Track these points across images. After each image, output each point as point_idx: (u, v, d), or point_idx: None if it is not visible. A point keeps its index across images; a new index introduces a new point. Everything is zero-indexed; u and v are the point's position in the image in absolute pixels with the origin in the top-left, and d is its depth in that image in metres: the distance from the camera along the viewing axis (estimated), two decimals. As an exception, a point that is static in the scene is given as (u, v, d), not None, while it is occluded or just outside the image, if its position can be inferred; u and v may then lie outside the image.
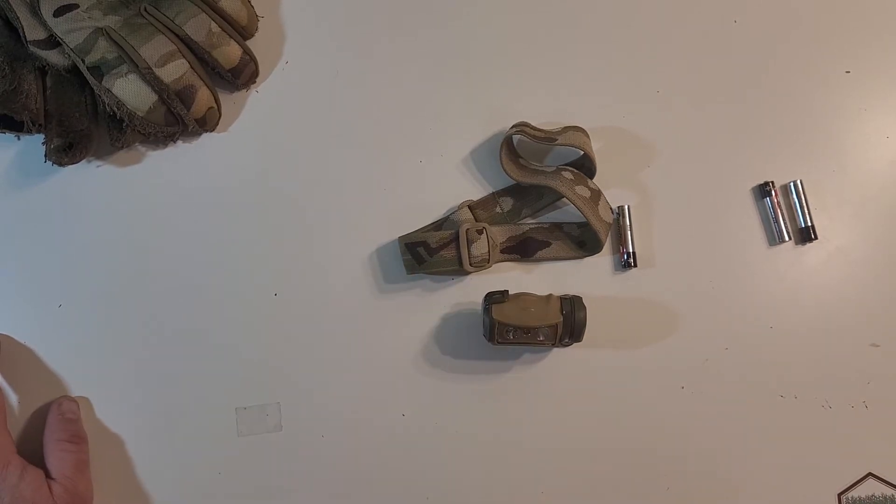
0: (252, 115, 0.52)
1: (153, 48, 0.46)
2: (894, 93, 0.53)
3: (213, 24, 0.48)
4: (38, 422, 0.48)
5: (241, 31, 0.51)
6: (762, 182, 0.51)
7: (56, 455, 0.45)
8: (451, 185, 0.51)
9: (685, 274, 0.50)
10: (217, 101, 0.50)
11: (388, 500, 0.48)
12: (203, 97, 0.49)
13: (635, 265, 0.50)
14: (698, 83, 0.53)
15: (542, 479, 0.48)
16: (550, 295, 0.46)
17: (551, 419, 0.49)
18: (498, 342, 0.45)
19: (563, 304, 0.45)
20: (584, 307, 0.45)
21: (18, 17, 0.47)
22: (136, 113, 0.47)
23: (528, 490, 0.48)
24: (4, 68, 0.47)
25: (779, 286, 0.50)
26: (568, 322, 0.45)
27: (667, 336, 0.49)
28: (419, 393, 0.49)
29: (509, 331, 0.45)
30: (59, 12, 0.47)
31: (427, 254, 0.48)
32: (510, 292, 0.46)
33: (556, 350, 0.49)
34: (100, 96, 0.47)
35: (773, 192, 0.50)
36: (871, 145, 0.52)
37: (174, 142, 0.51)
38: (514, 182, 0.50)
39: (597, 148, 0.50)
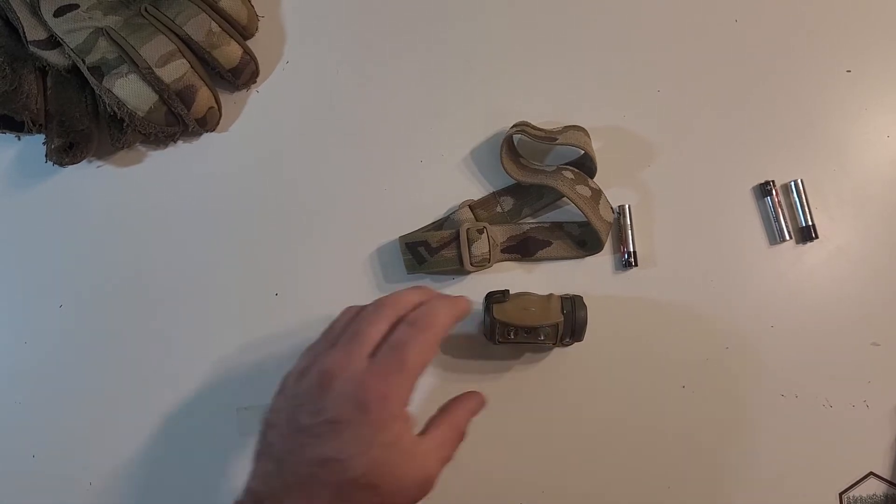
0: (252, 115, 0.52)
1: (153, 48, 0.46)
2: (894, 92, 0.53)
3: (214, 24, 0.48)
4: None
5: (242, 30, 0.51)
6: (763, 181, 0.51)
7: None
8: (451, 184, 0.51)
9: (686, 273, 0.50)
10: (217, 100, 0.50)
11: (388, 500, 0.48)
12: (203, 97, 0.49)
13: (636, 264, 0.50)
14: (698, 83, 0.53)
15: (542, 479, 0.48)
16: (551, 294, 0.46)
17: (551, 419, 0.49)
18: (499, 342, 0.45)
19: (564, 303, 0.45)
20: (585, 306, 0.45)
21: (19, 18, 0.47)
22: (136, 113, 0.47)
23: (529, 489, 0.48)
24: (5, 68, 0.47)
25: (779, 285, 0.50)
26: (569, 321, 0.45)
27: (667, 336, 0.49)
28: (419, 393, 0.49)
29: (510, 330, 0.45)
30: (59, 12, 0.47)
31: (428, 253, 0.48)
32: (511, 292, 0.46)
33: (556, 349, 0.49)
34: (100, 96, 0.47)
35: (773, 192, 0.50)
36: (871, 145, 0.52)
37: (174, 142, 0.51)
38: (515, 181, 0.50)
39: (597, 147, 0.50)
